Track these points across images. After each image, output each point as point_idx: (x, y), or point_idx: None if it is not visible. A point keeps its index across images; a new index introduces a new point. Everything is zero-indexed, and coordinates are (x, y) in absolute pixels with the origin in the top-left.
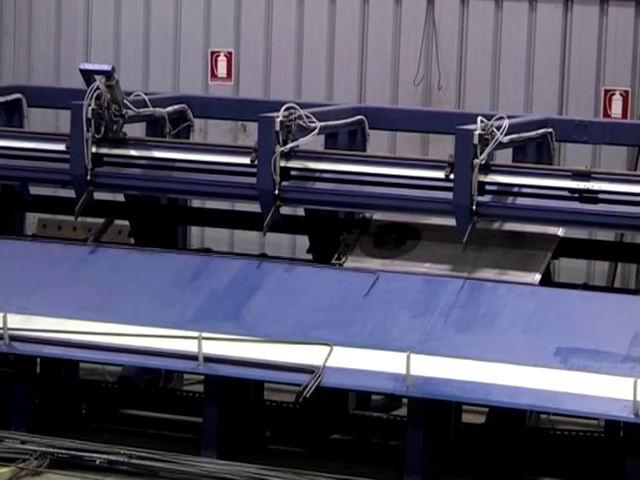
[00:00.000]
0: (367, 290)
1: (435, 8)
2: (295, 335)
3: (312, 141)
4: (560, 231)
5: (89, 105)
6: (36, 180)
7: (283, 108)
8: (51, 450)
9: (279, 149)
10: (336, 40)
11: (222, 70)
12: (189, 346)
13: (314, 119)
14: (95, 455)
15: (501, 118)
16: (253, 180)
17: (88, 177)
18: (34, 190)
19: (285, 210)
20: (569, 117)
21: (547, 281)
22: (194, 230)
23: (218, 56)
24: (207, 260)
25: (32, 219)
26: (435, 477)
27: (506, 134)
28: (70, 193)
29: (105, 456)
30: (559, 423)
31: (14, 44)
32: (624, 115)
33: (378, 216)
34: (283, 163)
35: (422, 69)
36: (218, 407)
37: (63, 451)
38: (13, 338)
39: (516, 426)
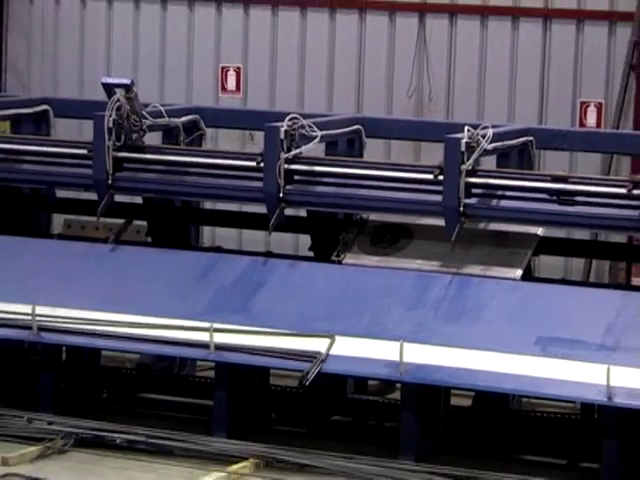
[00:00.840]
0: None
1: (426, 27)
2: (298, 326)
3: (314, 148)
4: (540, 231)
5: (110, 115)
6: (61, 184)
7: (287, 118)
8: (75, 430)
9: (283, 156)
10: (336, 56)
11: (231, 84)
12: (201, 336)
13: (315, 128)
14: (115, 435)
15: (486, 127)
16: (260, 184)
17: (109, 181)
18: (60, 193)
19: (289, 211)
20: (548, 127)
21: (528, 276)
22: (206, 230)
23: (228, 71)
24: (217, 257)
25: (58, 220)
26: (426, 455)
27: (491, 142)
28: (93, 196)
29: (125, 436)
30: (539, 406)
31: (42, 60)
32: (598, 125)
33: (374, 217)
34: (287, 167)
35: (414, 83)
36: (227, 391)
37: (86, 431)
38: (41, 328)
39: (500, 408)
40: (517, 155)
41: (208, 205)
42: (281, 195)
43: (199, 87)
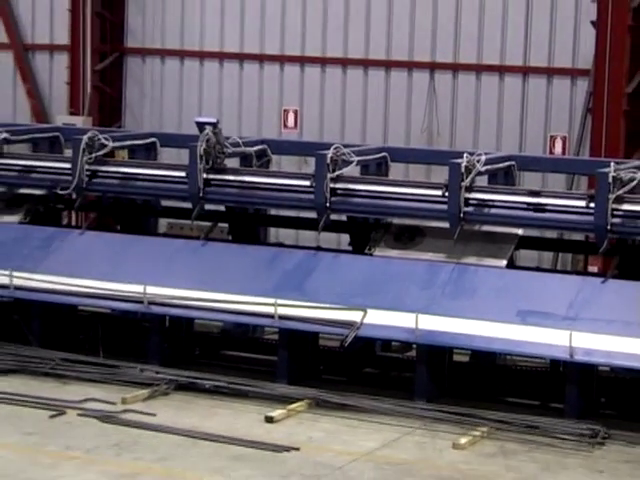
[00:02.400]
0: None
1: (435, 80)
2: (339, 301)
3: (351, 170)
4: (520, 231)
5: (201, 146)
6: (165, 196)
7: (332, 148)
8: (175, 378)
9: (329, 175)
10: (368, 101)
11: (291, 122)
12: (268, 309)
13: (353, 155)
14: (205, 381)
15: (480, 154)
16: (312, 196)
17: (200, 194)
18: (164, 203)
19: (333, 217)
20: (526, 154)
21: (511, 265)
22: (271, 230)
23: (288, 112)
24: (280, 250)
25: (163, 223)
26: (434, 398)
27: (483, 165)
28: (188, 205)
29: (212, 382)
30: (519, 361)
31: (150, 104)
32: (563, 152)
33: (396, 221)
34: (332, 185)
35: (426, 121)
36: (287, 350)
37: (183, 379)
38: (150, 302)
39: (490, 363)
40: (503, 175)
41: (273, 212)
42: (327, 205)
43: (267, 124)
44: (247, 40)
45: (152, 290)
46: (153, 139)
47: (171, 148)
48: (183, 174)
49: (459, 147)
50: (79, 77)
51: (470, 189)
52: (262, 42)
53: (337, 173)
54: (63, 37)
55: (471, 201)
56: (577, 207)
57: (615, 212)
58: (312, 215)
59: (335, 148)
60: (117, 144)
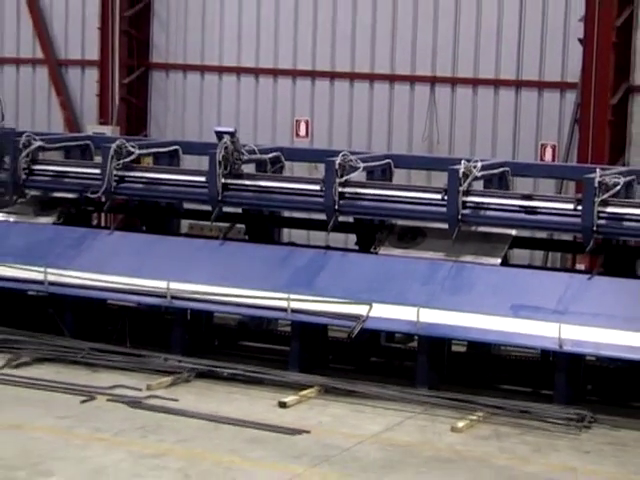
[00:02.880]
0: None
1: (435, 92)
2: (347, 296)
3: (358, 175)
4: (513, 232)
5: (220, 153)
6: (186, 199)
7: (340, 155)
8: (196, 366)
9: (338, 180)
10: (373, 112)
11: (302, 131)
12: (281, 303)
13: (359, 162)
14: (224, 369)
15: (476, 161)
16: (321, 199)
17: (219, 197)
18: (186, 205)
19: (341, 218)
20: (519, 161)
21: (505, 263)
22: (285, 231)
23: (300, 123)
24: (292, 249)
25: (184, 224)
26: (434, 385)
27: (479, 171)
28: (207, 207)
29: (229, 370)
30: (512, 351)
31: (173, 115)
32: (553, 160)
33: (400, 222)
34: (340, 189)
35: (427, 131)
36: (299, 341)
37: (204, 367)
38: (173, 297)
39: (485, 353)
40: (498, 180)
41: (286, 214)
42: (336, 207)
43: (280, 133)
44: (262, 56)
45: (175, 286)
46: (176, 147)
47: (192, 155)
48: (203, 179)
49: (457, 154)
50: (108, 90)
51: (467, 193)
52: (276, 58)
53: (345, 178)
54: (93, 53)
55: (468, 204)
56: (566, 210)
57: (600, 214)
58: (322, 217)
59: (343, 155)
60: (143, 151)
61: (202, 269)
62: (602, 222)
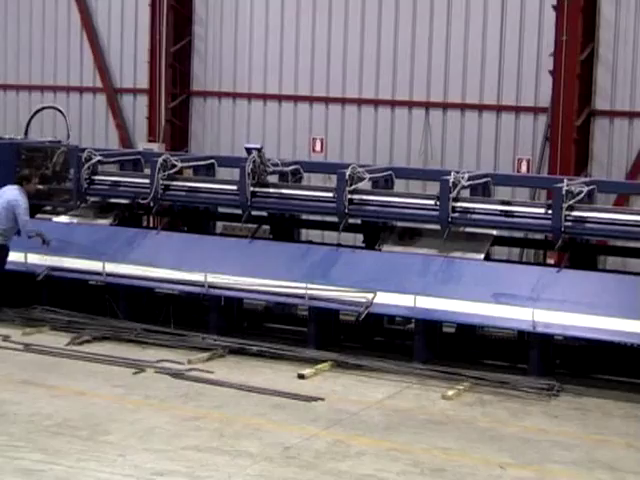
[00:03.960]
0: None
1: (429, 115)
2: (356, 286)
3: (364, 184)
4: (494, 232)
5: (249, 166)
6: (221, 204)
7: (350, 167)
8: (229, 344)
9: (347, 189)
10: (377, 131)
11: (318, 147)
12: (300, 291)
13: (366, 173)
14: (252, 347)
15: (464, 173)
16: (334, 205)
17: (248, 203)
18: (221, 209)
19: (351, 221)
20: (500, 172)
21: (487, 258)
22: (303, 231)
23: (316, 140)
24: (309, 246)
25: (220, 225)
26: (428, 360)
27: (466, 181)
28: (238, 211)
29: (256, 348)
30: (493, 332)
31: (210, 134)
32: (528, 171)
33: (400, 224)
34: (349, 196)
35: (422, 147)
36: (315, 323)
37: (235, 345)
38: (209, 286)
39: (471, 334)
40: (481, 189)
41: (304, 216)
42: (346, 211)
43: (299, 149)
44: (284, 84)
45: (211, 277)
46: (212, 160)
47: (226, 167)
48: (235, 187)
49: (448, 167)
50: (156, 113)
51: (456, 199)
52: (296, 86)
53: (354, 187)
54: (144, 83)
55: (457, 209)
56: (538, 214)
57: (567, 217)
58: (334, 219)
59: (352, 167)
60: (184, 164)
61: (234, 263)
62: (568, 224)
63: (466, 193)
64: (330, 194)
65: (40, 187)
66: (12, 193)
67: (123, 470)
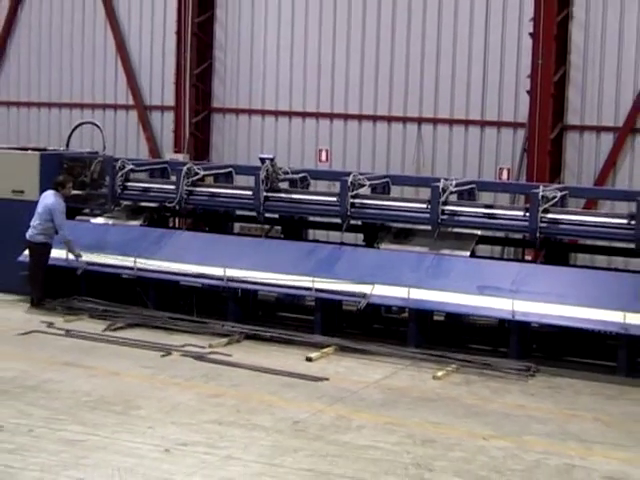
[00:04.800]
0: (390, 258)
1: (422, 129)
2: (356, 279)
3: (365, 190)
4: (478, 232)
5: (263, 174)
6: (238, 207)
7: (352, 174)
8: (245, 331)
9: (349, 194)
10: (376, 144)
11: (323, 157)
12: (307, 284)
13: (366, 180)
14: (265, 333)
15: (452, 180)
16: (338, 208)
17: (262, 206)
18: (238, 212)
19: (352, 222)
20: (483, 179)
21: (473, 255)
22: (310, 231)
23: (322, 151)
24: (316, 245)
25: (237, 226)
26: (421, 344)
27: (454, 187)
28: (254, 214)
29: (269, 333)
30: (478, 320)
31: (229, 145)
32: (508, 179)
33: (395, 225)
34: (351, 200)
35: (415, 157)
36: (321, 312)
37: (250, 331)
38: (228, 280)
39: (458, 321)
40: (467, 194)
41: (311, 218)
42: (348, 214)
43: (307, 159)
44: (294, 102)
45: (229, 271)
46: (230, 169)
47: (242, 175)
48: (250, 193)
49: (438, 175)
50: (181, 127)
51: (445, 203)
52: (304, 103)
53: (355, 192)
54: (170, 100)
55: (446, 211)
56: (517, 216)
57: (542, 219)
58: (337, 221)
59: (353, 175)
60: (206, 172)
61: (249, 259)
62: (544, 225)
63: (454, 198)
64: (334, 198)
65: (78, 192)
66: (50, 199)
67: (152, 440)
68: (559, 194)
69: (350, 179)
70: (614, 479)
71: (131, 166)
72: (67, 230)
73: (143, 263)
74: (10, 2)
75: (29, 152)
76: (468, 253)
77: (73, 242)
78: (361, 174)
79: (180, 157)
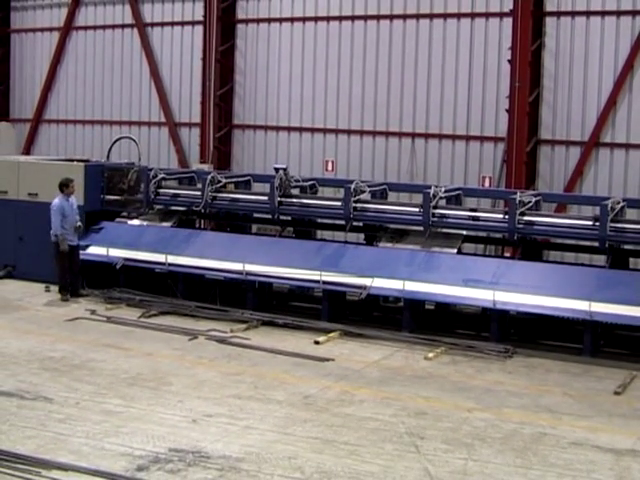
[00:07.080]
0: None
1: (415, 143)
2: (358, 272)
3: (365, 196)
4: (464, 232)
5: (277, 181)
6: (256, 210)
7: (354, 182)
8: (262, 318)
9: (352, 199)
10: (375, 156)
11: (330, 167)
12: (316, 277)
13: (366, 186)
14: (279, 320)
15: (441, 187)
16: (342, 211)
17: (276, 210)
18: (255, 215)
19: (355, 224)
20: (469, 186)
21: (459, 252)
22: (318, 231)
23: (328, 162)
24: (323, 243)
25: (254, 227)
26: (414, 330)
27: (443, 193)
28: (269, 216)
29: (282, 320)
30: (463, 309)
31: (247, 157)
32: (490, 186)
33: (392, 226)
34: (354, 204)
35: (409, 167)
36: (328, 301)
37: (267, 318)
38: (247, 273)
39: (447, 309)
40: (454, 199)
41: (319, 220)
42: (351, 216)
43: (315, 168)
44: (304, 119)
45: (248, 266)
46: (249, 177)
47: (259, 183)
48: (266, 198)
49: (429, 182)
50: (206, 141)
51: (435, 207)
52: (313, 120)
53: (357, 197)
54: (197, 118)
55: (436, 214)
56: (498, 218)
57: (520, 221)
58: (342, 222)
59: (356, 182)
60: (228, 180)
61: (265, 256)
62: (520, 226)
63: (443, 202)
64: (339, 203)
65: (117, 197)
66: (53, 201)
67: (181, 412)
68: (534, 199)
69: (353, 186)
70: (579, 444)
71: (163, 175)
72: (58, 229)
73: (173, 259)
74: (59, 37)
75: (75, 163)
76: (455, 250)
77: (62, 239)
78: (362, 182)
79: (205, 167)
